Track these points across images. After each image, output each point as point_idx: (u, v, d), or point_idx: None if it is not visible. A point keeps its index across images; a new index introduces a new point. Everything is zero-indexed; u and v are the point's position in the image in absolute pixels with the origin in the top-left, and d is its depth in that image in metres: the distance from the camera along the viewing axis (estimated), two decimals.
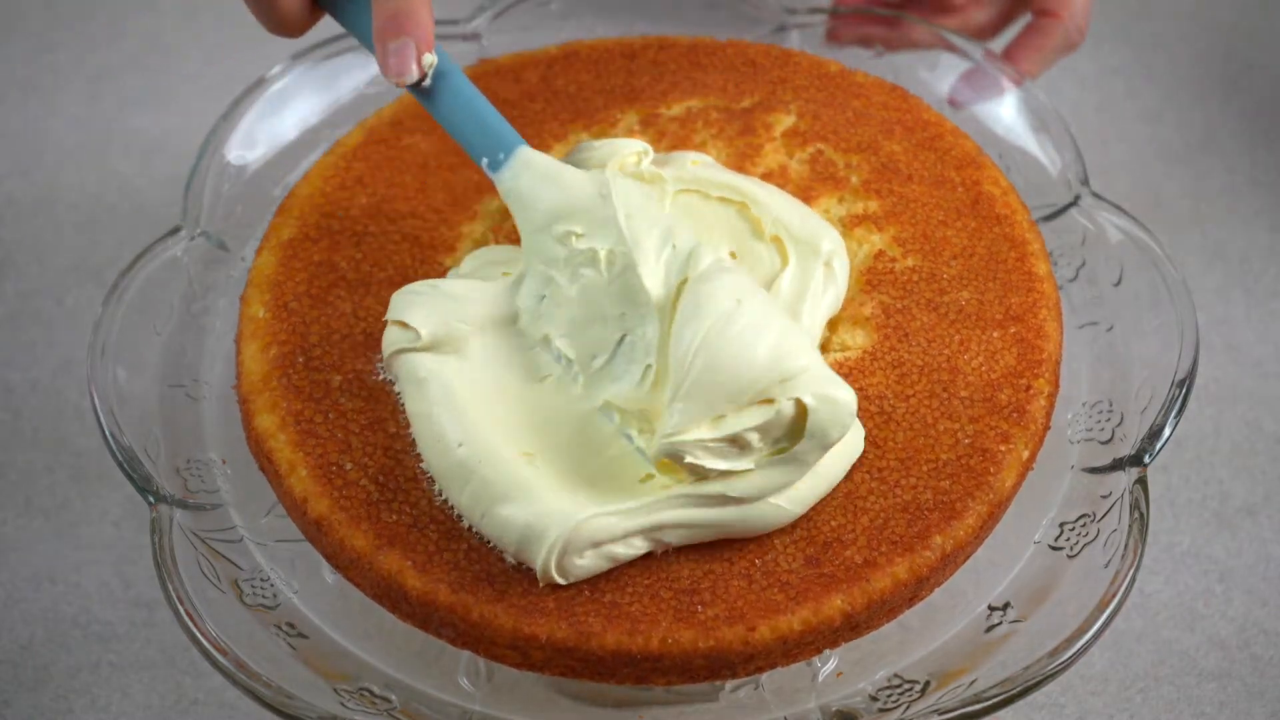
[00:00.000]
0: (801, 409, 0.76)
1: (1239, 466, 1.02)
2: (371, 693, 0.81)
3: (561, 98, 0.96)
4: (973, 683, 0.80)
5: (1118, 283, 0.94)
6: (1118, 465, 0.86)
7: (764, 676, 0.83)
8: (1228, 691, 0.94)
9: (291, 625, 0.83)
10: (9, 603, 0.97)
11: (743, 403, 0.76)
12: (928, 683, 0.81)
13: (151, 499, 0.84)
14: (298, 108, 1.01)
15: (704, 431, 0.76)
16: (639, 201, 0.82)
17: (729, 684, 0.83)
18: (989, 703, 0.78)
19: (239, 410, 0.86)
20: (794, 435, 0.76)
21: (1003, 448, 0.83)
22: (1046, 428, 0.85)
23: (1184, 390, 0.87)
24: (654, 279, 0.79)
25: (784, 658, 0.79)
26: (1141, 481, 0.85)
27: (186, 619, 0.80)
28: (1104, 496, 0.85)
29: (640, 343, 0.79)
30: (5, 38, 1.26)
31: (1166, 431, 0.86)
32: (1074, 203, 0.97)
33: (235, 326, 0.89)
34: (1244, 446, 1.03)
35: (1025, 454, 0.83)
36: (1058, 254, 0.95)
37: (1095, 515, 0.85)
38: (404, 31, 0.82)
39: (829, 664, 0.83)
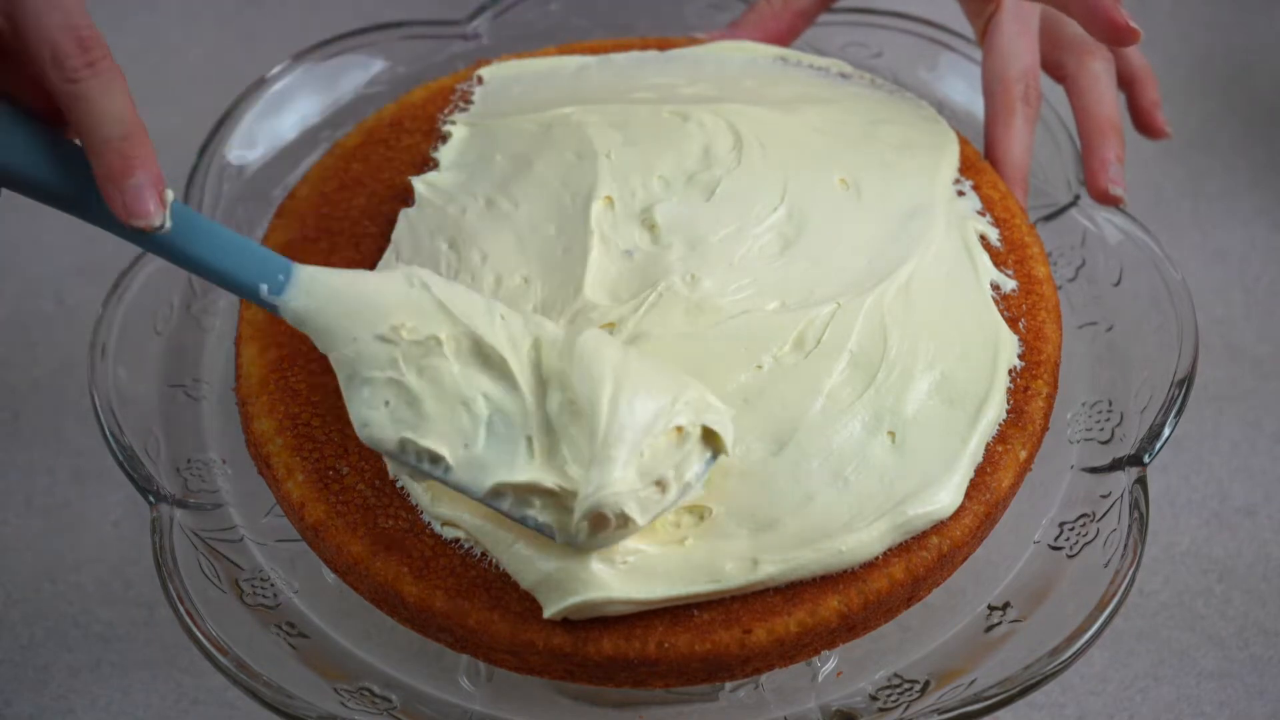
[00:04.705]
0: (708, 430, 0.74)
1: (1239, 466, 1.02)
2: (371, 693, 0.81)
3: None
4: (972, 682, 0.80)
5: (1117, 283, 0.94)
6: (1117, 465, 0.86)
7: (764, 676, 0.83)
8: (1228, 691, 0.93)
9: (292, 625, 0.83)
10: (9, 603, 0.97)
11: (658, 435, 0.73)
12: (927, 682, 0.81)
13: (151, 499, 0.84)
14: (298, 108, 1.01)
15: (632, 478, 0.72)
16: (448, 281, 0.76)
17: (729, 684, 0.83)
18: (989, 702, 0.78)
19: (238, 411, 0.86)
20: (697, 461, 0.75)
21: (1000, 448, 0.83)
22: (1045, 429, 0.85)
23: (1184, 390, 0.87)
24: (507, 349, 0.74)
25: (781, 659, 0.78)
26: (1141, 481, 0.84)
27: (186, 619, 0.80)
28: (1104, 496, 0.85)
29: (507, 417, 0.73)
30: None
31: (1166, 431, 0.86)
32: (1074, 203, 0.97)
33: (235, 327, 0.89)
34: (1244, 446, 1.03)
35: (1023, 455, 0.83)
36: (1057, 254, 0.95)
37: (1095, 515, 0.85)
38: (135, 167, 0.71)
39: (829, 664, 0.83)
